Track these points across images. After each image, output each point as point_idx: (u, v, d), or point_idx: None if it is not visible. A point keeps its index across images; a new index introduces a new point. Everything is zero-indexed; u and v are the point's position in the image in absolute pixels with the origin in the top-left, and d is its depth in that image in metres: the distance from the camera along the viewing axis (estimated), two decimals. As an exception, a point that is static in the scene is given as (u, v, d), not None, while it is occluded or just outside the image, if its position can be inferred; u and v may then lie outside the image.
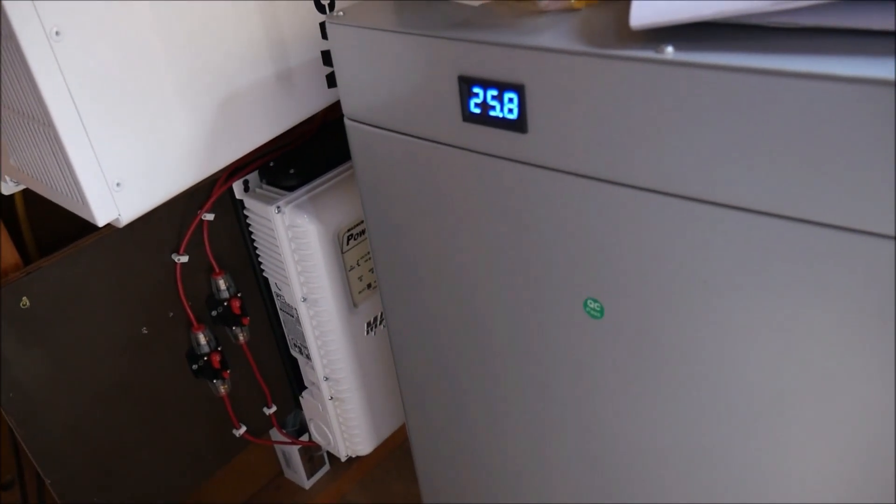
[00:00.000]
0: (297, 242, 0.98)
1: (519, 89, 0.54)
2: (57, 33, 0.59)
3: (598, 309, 0.59)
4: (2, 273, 0.88)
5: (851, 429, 0.51)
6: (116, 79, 0.65)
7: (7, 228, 0.90)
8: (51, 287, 0.89)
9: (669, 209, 0.51)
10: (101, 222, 0.67)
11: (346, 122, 0.70)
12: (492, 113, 0.56)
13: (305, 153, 1.02)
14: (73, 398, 0.95)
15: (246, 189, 1.02)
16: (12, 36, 0.58)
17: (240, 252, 1.07)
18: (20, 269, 0.89)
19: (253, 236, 1.05)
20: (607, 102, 0.50)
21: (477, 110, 0.57)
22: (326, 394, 1.12)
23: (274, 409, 1.20)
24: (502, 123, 0.56)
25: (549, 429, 0.72)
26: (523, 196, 0.59)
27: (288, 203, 0.96)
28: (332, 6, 0.84)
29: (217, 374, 1.07)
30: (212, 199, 0.99)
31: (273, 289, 1.09)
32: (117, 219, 0.68)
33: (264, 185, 1.02)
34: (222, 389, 1.09)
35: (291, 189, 0.99)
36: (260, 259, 1.07)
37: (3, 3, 0.58)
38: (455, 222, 0.66)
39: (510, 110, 0.55)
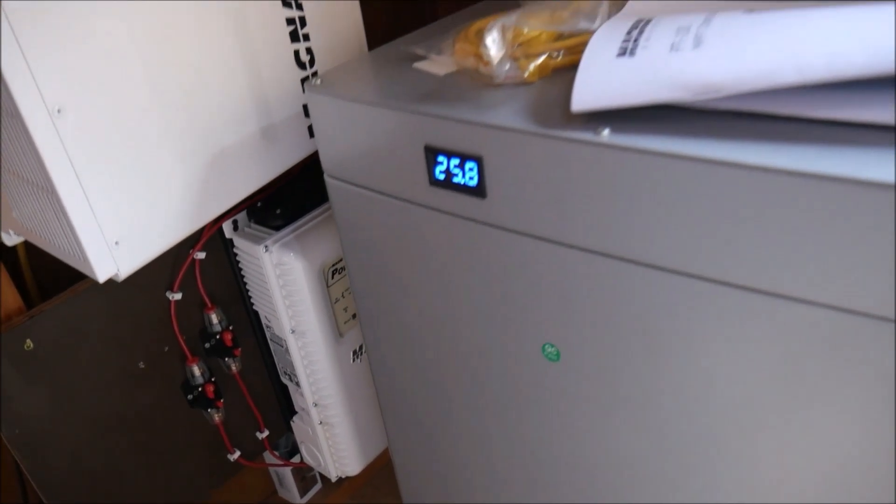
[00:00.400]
0: (284, 279, 1.03)
1: (478, 160, 0.60)
2: (59, 111, 0.65)
3: (555, 353, 0.65)
4: (6, 318, 0.94)
5: (806, 464, 0.57)
6: (114, 147, 0.70)
7: (9, 273, 0.96)
8: (52, 329, 0.95)
9: (611, 268, 0.57)
10: (101, 279, 0.73)
11: (326, 177, 0.76)
12: (455, 179, 0.62)
13: (290, 193, 1.08)
14: (75, 431, 1.00)
15: (235, 228, 1.07)
16: (17, 115, 0.64)
17: (230, 287, 1.12)
18: (23, 313, 0.95)
19: (243, 273, 1.11)
20: (554, 175, 0.56)
21: (441, 176, 0.63)
22: (316, 419, 1.18)
23: (266, 433, 1.25)
24: (464, 189, 0.62)
25: (515, 454, 0.79)
26: (485, 252, 0.65)
27: (275, 242, 1.02)
28: (311, 62, 0.90)
29: (211, 403, 1.13)
30: (203, 240, 1.04)
31: (263, 321, 1.15)
32: (116, 274, 0.74)
33: (252, 225, 1.07)
34: (216, 417, 1.15)
35: (278, 228, 1.04)
36: (250, 294, 1.13)
37: (8, 83, 0.63)
38: (426, 272, 0.72)
39: (471, 178, 0.61)
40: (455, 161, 0.62)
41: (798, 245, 0.47)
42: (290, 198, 1.07)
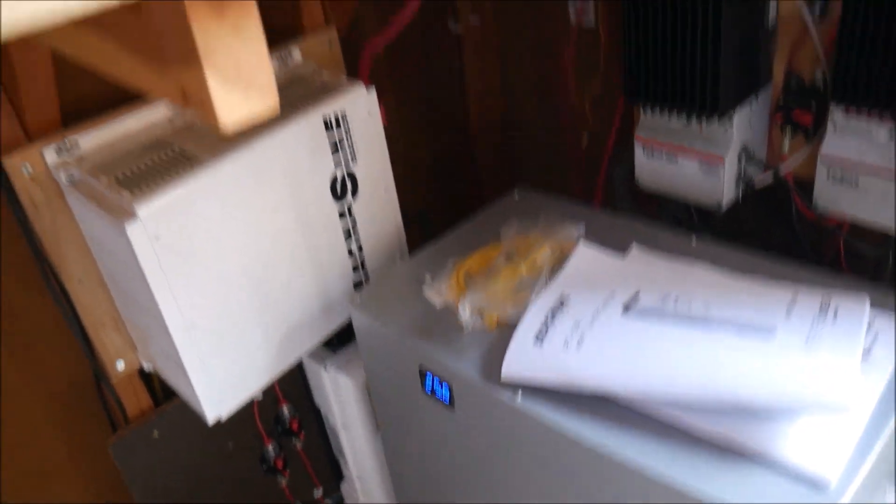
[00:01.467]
0: (338, 390, 1.39)
1: (449, 384, 0.93)
2: (192, 325, 1.02)
3: None
4: (141, 413, 1.32)
5: None
6: (225, 339, 1.07)
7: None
8: (172, 421, 1.33)
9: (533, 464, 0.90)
10: (211, 422, 1.10)
11: (364, 363, 1.11)
12: (437, 394, 0.96)
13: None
14: (185, 495, 1.38)
15: (303, 348, 1.44)
16: (167, 331, 1.00)
17: (298, 388, 1.49)
18: (152, 410, 1.34)
19: (308, 379, 1.47)
20: (490, 410, 0.89)
21: (429, 388, 0.97)
22: (359, 488, 1.54)
23: (321, 491, 1.62)
24: (442, 400, 0.96)
25: None
26: (459, 440, 0.98)
27: (332, 364, 1.37)
28: (360, 250, 1.24)
29: (280, 472, 1.50)
30: (279, 357, 1.41)
31: (322, 413, 1.51)
32: (220, 417, 1.11)
33: (316, 346, 1.43)
34: (284, 482, 1.52)
35: (334, 350, 1.40)
36: (313, 393, 1.49)
37: (159, 301, 0.99)
38: (418, 432, 1.06)
39: (445, 395, 0.94)
40: (437, 381, 0.95)
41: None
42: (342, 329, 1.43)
